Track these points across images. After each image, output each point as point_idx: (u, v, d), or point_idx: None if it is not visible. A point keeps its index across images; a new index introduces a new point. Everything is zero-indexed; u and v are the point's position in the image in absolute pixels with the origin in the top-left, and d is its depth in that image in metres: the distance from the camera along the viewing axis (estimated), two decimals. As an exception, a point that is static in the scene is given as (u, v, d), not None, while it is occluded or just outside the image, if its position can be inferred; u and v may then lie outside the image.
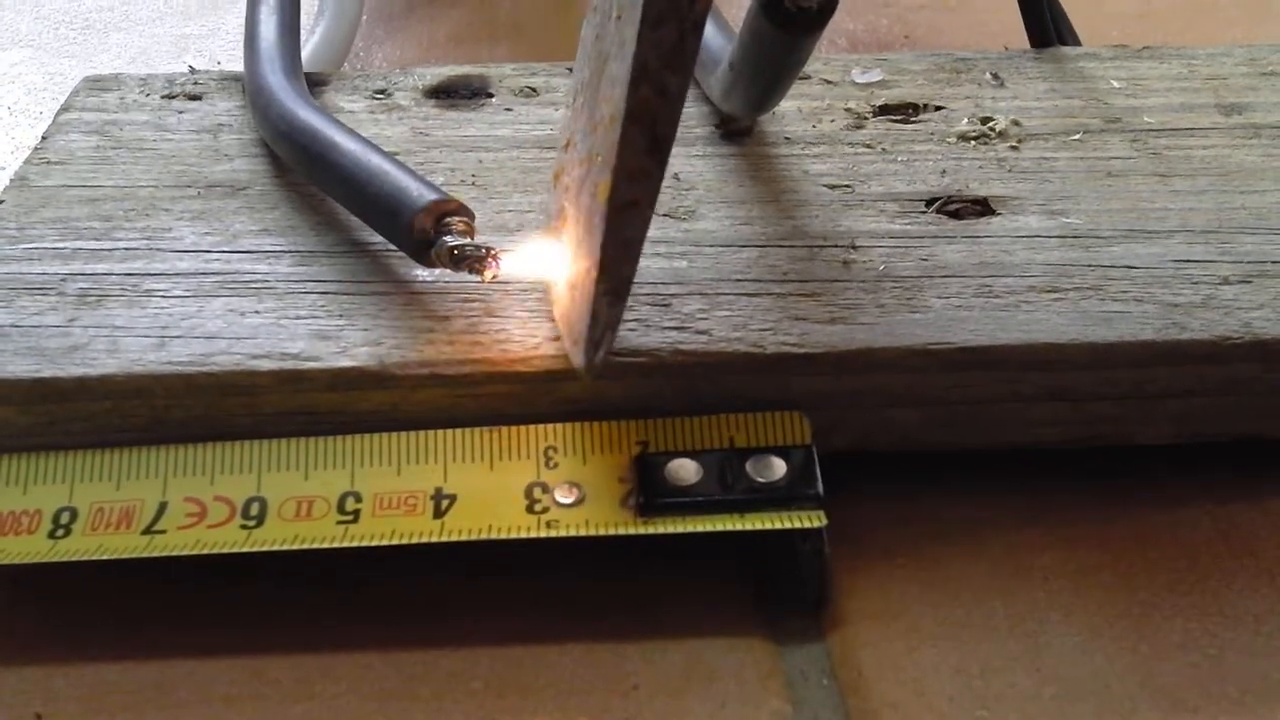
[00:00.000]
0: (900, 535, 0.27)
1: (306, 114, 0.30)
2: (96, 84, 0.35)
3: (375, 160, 0.28)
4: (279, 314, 0.27)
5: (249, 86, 0.32)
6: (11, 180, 0.31)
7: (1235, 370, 0.26)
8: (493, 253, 0.25)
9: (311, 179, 0.30)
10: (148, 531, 0.25)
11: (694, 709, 0.24)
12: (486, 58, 0.44)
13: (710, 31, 0.33)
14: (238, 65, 0.43)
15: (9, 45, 0.45)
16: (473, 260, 0.25)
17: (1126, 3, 0.46)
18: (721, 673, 0.24)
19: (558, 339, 0.26)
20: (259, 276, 0.28)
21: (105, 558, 0.24)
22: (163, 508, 0.25)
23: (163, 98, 0.34)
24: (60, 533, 0.25)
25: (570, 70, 0.35)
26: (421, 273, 0.28)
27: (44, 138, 0.33)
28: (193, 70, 0.36)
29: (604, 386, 0.26)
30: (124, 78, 0.35)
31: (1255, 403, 0.27)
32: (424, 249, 0.26)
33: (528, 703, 0.24)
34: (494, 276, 0.25)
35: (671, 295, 0.27)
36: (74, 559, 0.24)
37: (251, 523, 0.25)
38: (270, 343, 0.26)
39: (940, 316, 0.27)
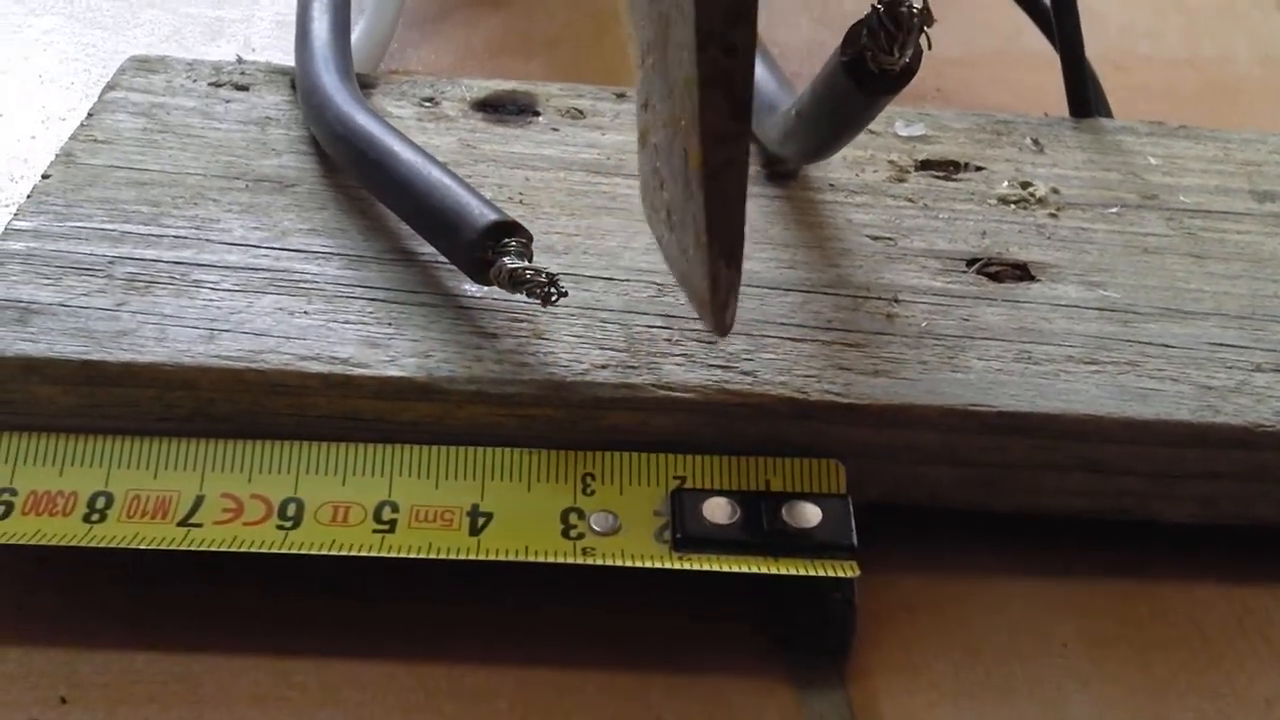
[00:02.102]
0: (924, 590, 0.27)
1: (364, 119, 0.30)
2: (143, 65, 0.35)
3: (435, 173, 0.28)
4: (328, 317, 0.27)
5: (302, 85, 0.32)
6: (58, 155, 0.31)
7: (1263, 457, 0.27)
8: (554, 279, 0.25)
9: (365, 184, 0.30)
10: (184, 524, 0.25)
11: (715, 748, 0.24)
12: (522, 71, 0.44)
13: (762, 74, 0.33)
14: (273, 52, 0.43)
15: (42, 12, 0.45)
16: (532, 285, 0.25)
17: (1154, 77, 0.47)
18: (742, 713, 0.24)
19: (605, 367, 0.26)
20: (308, 277, 0.28)
21: (142, 547, 0.24)
22: (199, 501, 0.25)
23: (210, 85, 0.34)
24: (96, 517, 0.24)
25: (617, 95, 0.35)
26: (470, 287, 0.28)
27: (90, 115, 0.33)
28: (240, 60, 0.36)
29: (646, 418, 0.26)
30: (171, 61, 0.35)
31: (1277, 493, 0.27)
32: (482, 268, 0.26)
33: (551, 727, 0.24)
34: (555, 302, 0.25)
35: (718, 333, 0.27)
36: (110, 545, 0.24)
37: (288, 524, 0.25)
38: (320, 345, 0.26)
39: (981, 379, 0.27)
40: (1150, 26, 0.50)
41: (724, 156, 0.22)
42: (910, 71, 0.25)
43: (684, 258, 0.25)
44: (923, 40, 0.24)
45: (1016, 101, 0.43)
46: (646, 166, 0.27)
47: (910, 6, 0.24)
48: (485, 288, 0.27)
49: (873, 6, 0.24)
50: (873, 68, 0.25)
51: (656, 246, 0.26)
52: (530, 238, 0.27)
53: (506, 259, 0.26)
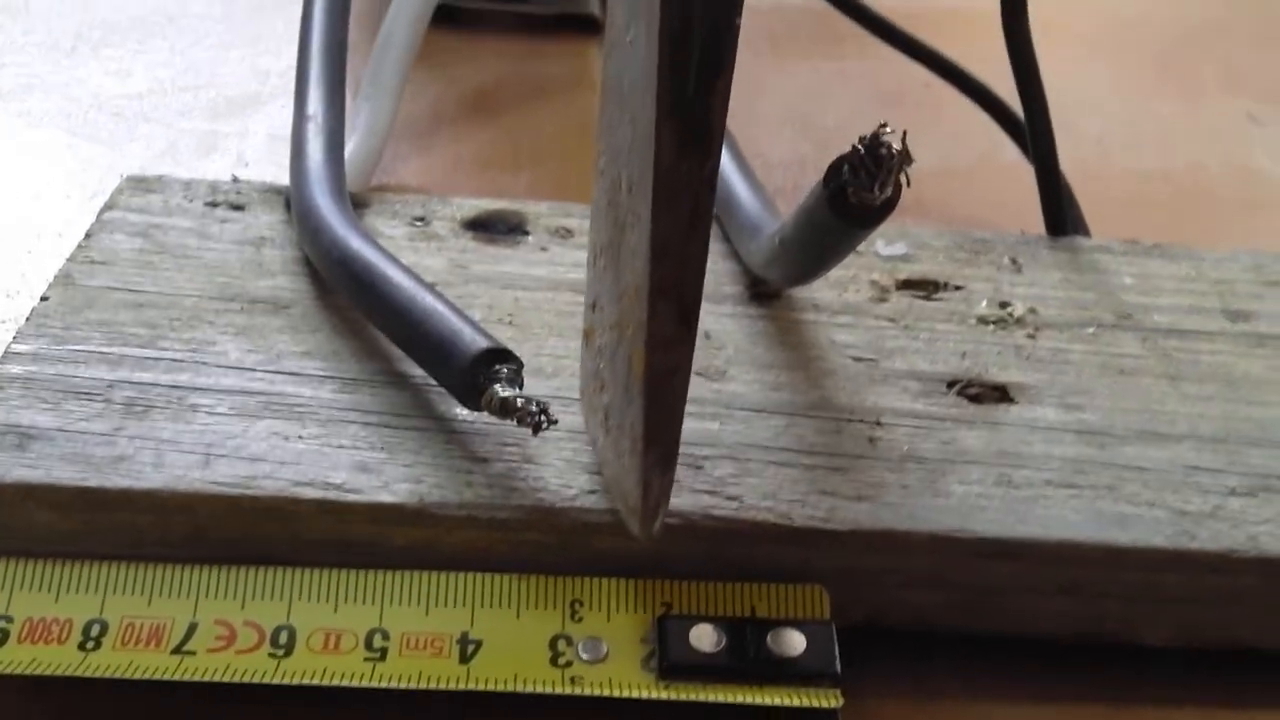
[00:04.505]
0: (909, 714, 0.27)
1: (359, 243, 0.30)
2: (140, 184, 0.36)
3: (428, 299, 0.28)
4: (323, 441, 0.27)
5: (297, 207, 0.33)
6: (56, 277, 0.32)
7: (1240, 582, 0.27)
8: (544, 408, 0.26)
9: (359, 307, 0.30)
10: (177, 651, 0.25)
11: None
12: (511, 184, 0.44)
13: (746, 196, 0.34)
14: (266, 166, 0.44)
15: (38, 125, 0.46)
16: (521, 413, 0.26)
17: (1128, 188, 0.48)
18: (729, 840, 0.25)
19: (594, 492, 0.27)
20: (303, 401, 0.29)
21: (135, 677, 0.24)
22: (193, 628, 0.25)
23: (206, 204, 0.35)
24: (91, 645, 0.25)
25: (605, 215, 0.36)
26: (461, 411, 0.28)
27: (88, 235, 0.33)
28: (235, 179, 0.37)
29: (633, 543, 0.26)
30: (167, 180, 0.36)
31: (1254, 615, 0.28)
32: (474, 395, 0.27)
33: None
34: (545, 429, 0.26)
35: (704, 457, 0.28)
36: (104, 675, 0.24)
37: (280, 652, 0.25)
38: (314, 471, 0.27)
39: (962, 504, 0.28)
40: (1124, 139, 0.51)
41: (668, 365, 0.23)
42: (890, 205, 0.25)
43: (618, 462, 0.25)
44: (903, 177, 0.25)
45: (996, 214, 0.44)
46: (589, 366, 0.28)
47: (890, 148, 0.24)
48: (474, 411, 0.28)
49: (854, 146, 0.25)
50: (854, 201, 0.25)
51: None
52: (521, 364, 0.27)
53: (498, 387, 0.26)
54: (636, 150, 0.23)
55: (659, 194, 0.22)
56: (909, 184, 0.25)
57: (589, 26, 0.55)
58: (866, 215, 0.26)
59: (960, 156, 0.49)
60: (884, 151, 0.25)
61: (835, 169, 0.26)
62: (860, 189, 0.25)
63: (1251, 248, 0.38)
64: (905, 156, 0.25)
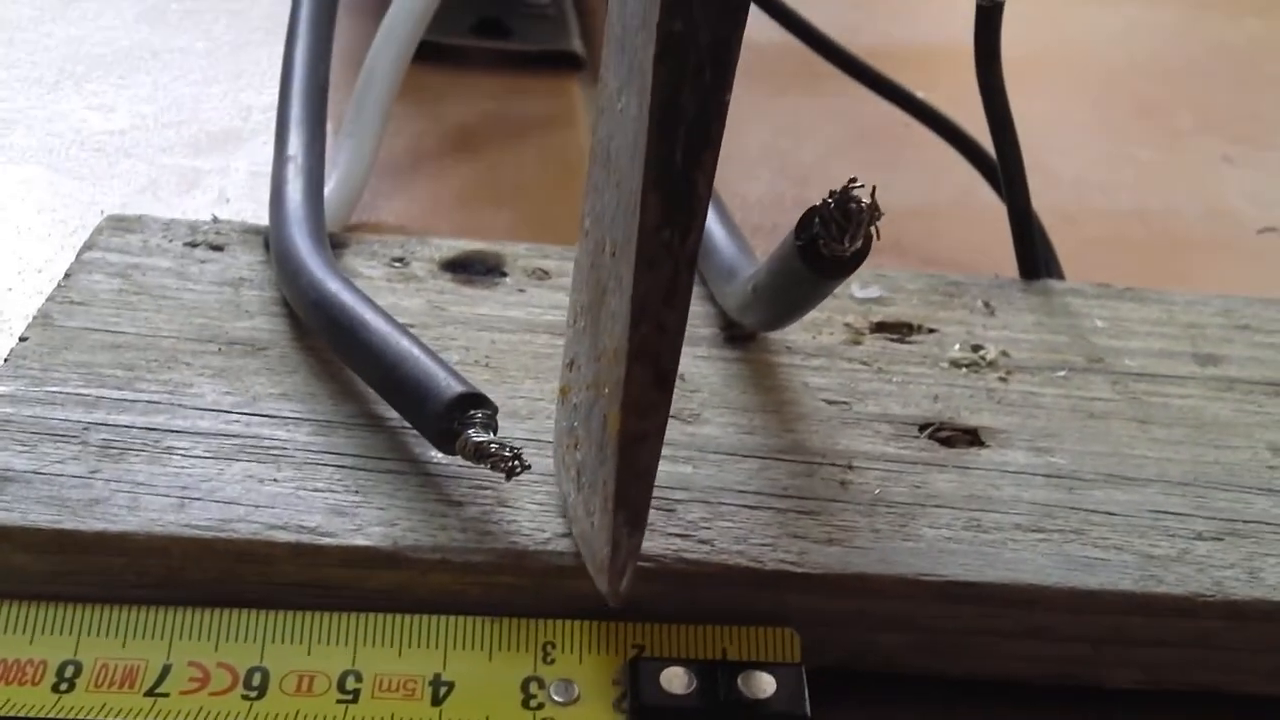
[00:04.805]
0: (877, 757, 0.28)
1: (336, 286, 0.31)
2: (120, 224, 0.36)
3: (404, 343, 0.29)
4: (297, 484, 0.28)
5: (275, 249, 0.33)
6: (35, 317, 0.32)
7: (1206, 626, 0.28)
8: (518, 454, 0.26)
9: (335, 350, 0.31)
10: (150, 693, 0.25)
11: None
12: (491, 221, 0.45)
13: (723, 239, 0.35)
14: (247, 203, 0.44)
15: (20, 162, 0.46)
16: (495, 458, 0.26)
17: (1103, 229, 0.49)
18: None
19: (567, 535, 0.27)
20: (278, 443, 0.29)
21: (108, 719, 0.24)
22: (166, 670, 0.25)
23: (185, 245, 0.35)
24: (64, 687, 0.25)
25: (582, 256, 0.36)
26: (436, 454, 0.29)
27: (67, 275, 0.34)
28: (215, 219, 0.37)
29: (606, 586, 0.27)
30: (147, 220, 0.36)
31: (1219, 658, 0.28)
32: (448, 439, 0.27)
33: None
34: (518, 474, 0.26)
35: (677, 501, 0.28)
36: (77, 717, 0.24)
37: (253, 694, 0.25)
38: (288, 514, 0.27)
39: (931, 547, 0.28)
40: (1102, 180, 0.52)
41: (642, 427, 0.24)
42: (860, 257, 0.26)
43: (588, 519, 0.26)
44: (873, 230, 0.25)
45: (972, 252, 0.45)
46: (563, 424, 0.28)
47: (860, 202, 0.25)
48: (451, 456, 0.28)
49: (824, 199, 0.25)
50: (825, 253, 0.26)
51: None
52: (495, 409, 0.27)
53: (472, 432, 0.27)
54: (621, 215, 0.23)
55: (641, 260, 0.22)
56: (879, 236, 0.26)
57: (571, 64, 0.56)
58: (837, 266, 0.26)
59: (938, 194, 0.49)
60: (854, 205, 0.25)
61: (806, 221, 0.26)
62: (831, 241, 0.25)
63: (1225, 289, 0.39)
64: (875, 210, 0.25)
